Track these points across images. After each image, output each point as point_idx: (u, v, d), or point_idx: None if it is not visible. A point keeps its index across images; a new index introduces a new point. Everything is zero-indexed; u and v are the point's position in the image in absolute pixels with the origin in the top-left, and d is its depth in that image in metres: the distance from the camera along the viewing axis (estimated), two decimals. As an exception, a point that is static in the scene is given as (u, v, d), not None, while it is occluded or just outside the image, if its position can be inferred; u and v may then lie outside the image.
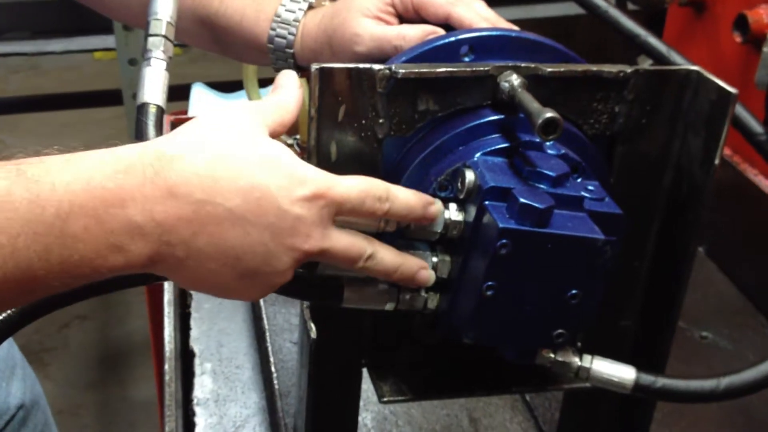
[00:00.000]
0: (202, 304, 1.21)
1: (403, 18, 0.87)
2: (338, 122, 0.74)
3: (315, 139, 0.74)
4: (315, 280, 0.73)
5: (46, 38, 1.98)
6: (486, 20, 0.84)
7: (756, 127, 0.92)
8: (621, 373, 0.78)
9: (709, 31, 1.37)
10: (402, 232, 0.73)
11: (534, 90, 0.75)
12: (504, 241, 0.67)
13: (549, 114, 0.67)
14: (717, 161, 0.77)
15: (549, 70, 0.76)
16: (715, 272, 1.37)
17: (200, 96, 1.62)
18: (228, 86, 1.85)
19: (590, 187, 0.74)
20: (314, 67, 0.71)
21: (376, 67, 0.73)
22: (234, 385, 1.08)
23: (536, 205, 0.67)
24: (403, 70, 0.73)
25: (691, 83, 0.79)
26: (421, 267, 0.71)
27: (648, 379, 0.78)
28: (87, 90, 3.53)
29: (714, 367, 1.18)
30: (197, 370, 1.10)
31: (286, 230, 0.63)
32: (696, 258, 1.43)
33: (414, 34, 0.83)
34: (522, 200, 0.67)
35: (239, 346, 1.15)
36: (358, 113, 0.74)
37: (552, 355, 0.78)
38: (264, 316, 1.14)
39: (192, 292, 1.23)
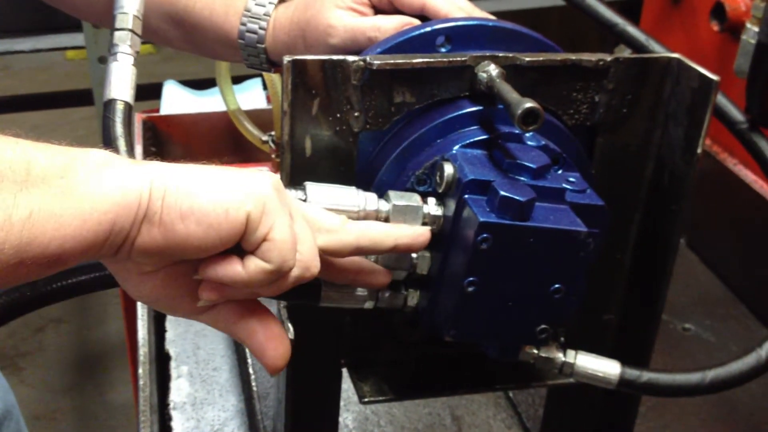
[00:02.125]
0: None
1: (377, 9, 0.85)
2: (312, 116, 0.72)
3: (289, 134, 0.72)
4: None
5: (14, 37, 1.95)
6: (461, 10, 0.82)
7: (737, 115, 0.91)
8: (605, 368, 0.77)
9: (686, 19, 1.36)
10: None
11: (512, 80, 0.73)
12: (485, 235, 0.66)
13: (529, 104, 0.66)
14: (699, 151, 0.75)
15: (527, 59, 0.74)
16: (697, 263, 1.37)
17: (172, 93, 1.59)
18: (201, 84, 1.82)
19: (571, 179, 0.73)
20: (287, 59, 0.69)
21: (351, 58, 0.71)
22: (211, 388, 1.06)
23: (517, 197, 0.65)
24: (378, 62, 0.71)
25: (672, 71, 0.77)
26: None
27: (633, 373, 0.77)
28: (58, 90, 3.48)
29: (697, 359, 1.17)
30: (173, 373, 1.07)
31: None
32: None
33: (389, 25, 0.81)
34: (502, 193, 0.65)
35: (216, 348, 1.13)
36: (333, 106, 0.72)
37: (535, 351, 0.77)
38: (241, 316, 1.11)
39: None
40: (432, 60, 0.72)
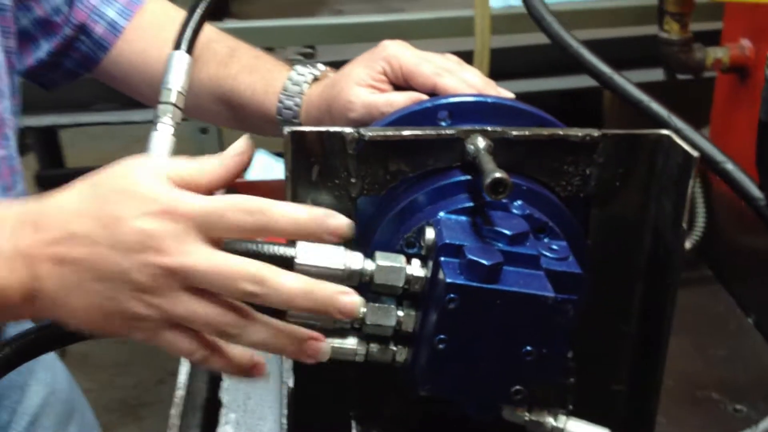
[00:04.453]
0: (237, 358, 1.27)
1: (395, 86, 0.92)
2: (312, 181, 0.79)
3: (291, 197, 0.79)
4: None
5: (131, 109, 2.16)
6: (472, 87, 0.88)
7: (755, 191, 0.91)
8: (594, 435, 0.78)
9: (754, 96, 1.36)
10: (368, 285, 0.76)
11: (505, 153, 0.78)
12: (452, 295, 0.70)
13: (497, 174, 0.70)
14: (684, 225, 0.77)
15: (514, 133, 0.79)
16: (762, 344, 1.33)
17: (261, 162, 1.71)
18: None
19: (554, 247, 0.76)
20: (286, 130, 0.77)
21: (346, 130, 0.78)
22: (253, 435, 1.13)
23: (482, 261, 0.70)
24: (371, 133, 0.78)
25: (663, 147, 0.80)
26: (341, 292, 0.68)
27: (619, 442, 0.78)
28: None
29: (741, 441, 1.14)
30: (222, 419, 1.15)
31: (135, 245, 0.63)
32: (743, 329, 1.38)
33: (400, 100, 0.88)
34: (469, 256, 0.70)
35: (265, 399, 1.19)
36: (332, 173, 0.79)
37: (527, 414, 0.79)
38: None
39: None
40: (421, 132, 0.78)
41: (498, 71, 1.35)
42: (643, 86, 0.99)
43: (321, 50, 2.40)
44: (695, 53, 1.35)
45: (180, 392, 0.98)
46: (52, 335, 0.78)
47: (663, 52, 1.37)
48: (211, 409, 1.18)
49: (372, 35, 2.12)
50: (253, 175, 1.68)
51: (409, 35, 1.99)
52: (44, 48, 1.07)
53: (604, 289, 0.85)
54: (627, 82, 1.01)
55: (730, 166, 0.93)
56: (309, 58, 2.30)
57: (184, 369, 1.02)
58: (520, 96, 0.89)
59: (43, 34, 1.07)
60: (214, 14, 2.61)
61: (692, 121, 0.95)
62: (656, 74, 1.54)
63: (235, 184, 1.52)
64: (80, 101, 2.28)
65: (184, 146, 2.58)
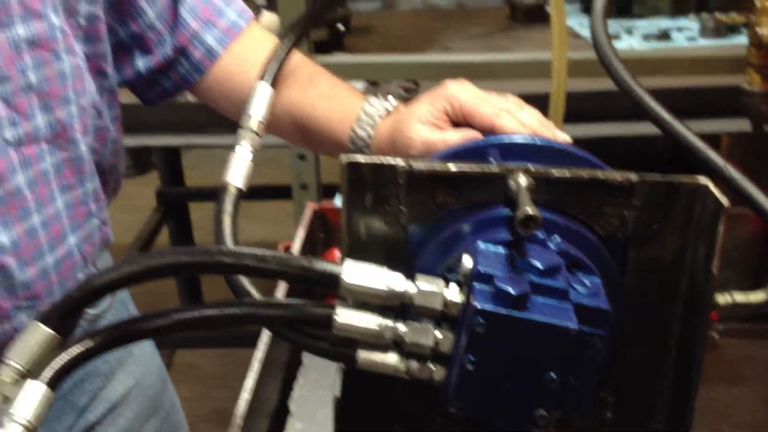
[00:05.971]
0: (310, 372, 1.35)
1: (456, 124, 0.99)
2: (366, 207, 0.86)
3: (346, 221, 0.87)
4: (332, 340, 0.84)
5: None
6: (528, 128, 0.94)
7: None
8: (617, 466, 0.82)
9: (837, 152, 1.35)
10: (408, 307, 0.83)
11: (547, 191, 0.84)
12: (479, 319, 0.76)
13: (528, 210, 0.76)
14: (714, 271, 0.80)
15: (555, 173, 0.84)
16: None
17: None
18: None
19: (586, 282, 0.81)
20: (343, 160, 0.85)
21: (398, 162, 0.85)
22: (314, 444, 1.21)
23: (509, 290, 0.75)
24: (420, 166, 0.84)
25: (701, 195, 0.83)
26: None
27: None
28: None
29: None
30: (288, 427, 1.23)
31: None
32: None
33: (455, 138, 0.95)
34: (498, 284, 0.76)
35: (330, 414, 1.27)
36: (383, 201, 0.86)
37: (556, 440, 0.84)
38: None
39: (304, 361, 1.38)
40: (467, 168, 0.84)
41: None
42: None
43: (424, 85, 2.49)
44: (776, 105, 1.36)
45: (245, 395, 1.06)
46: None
47: (743, 103, 1.38)
48: (279, 416, 1.26)
49: (471, 73, 2.20)
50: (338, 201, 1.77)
51: (505, 75, 2.07)
52: (141, 62, 1.18)
53: (644, 328, 0.89)
54: (685, 129, 1.04)
55: (780, 217, 0.94)
56: (410, 92, 2.40)
57: (252, 374, 1.11)
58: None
59: (138, 48, 1.18)
60: (325, 48, 2.74)
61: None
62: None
63: (322, 209, 1.61)
64: (196, 124, 2.46)
65: (285, 171, 2.70)
